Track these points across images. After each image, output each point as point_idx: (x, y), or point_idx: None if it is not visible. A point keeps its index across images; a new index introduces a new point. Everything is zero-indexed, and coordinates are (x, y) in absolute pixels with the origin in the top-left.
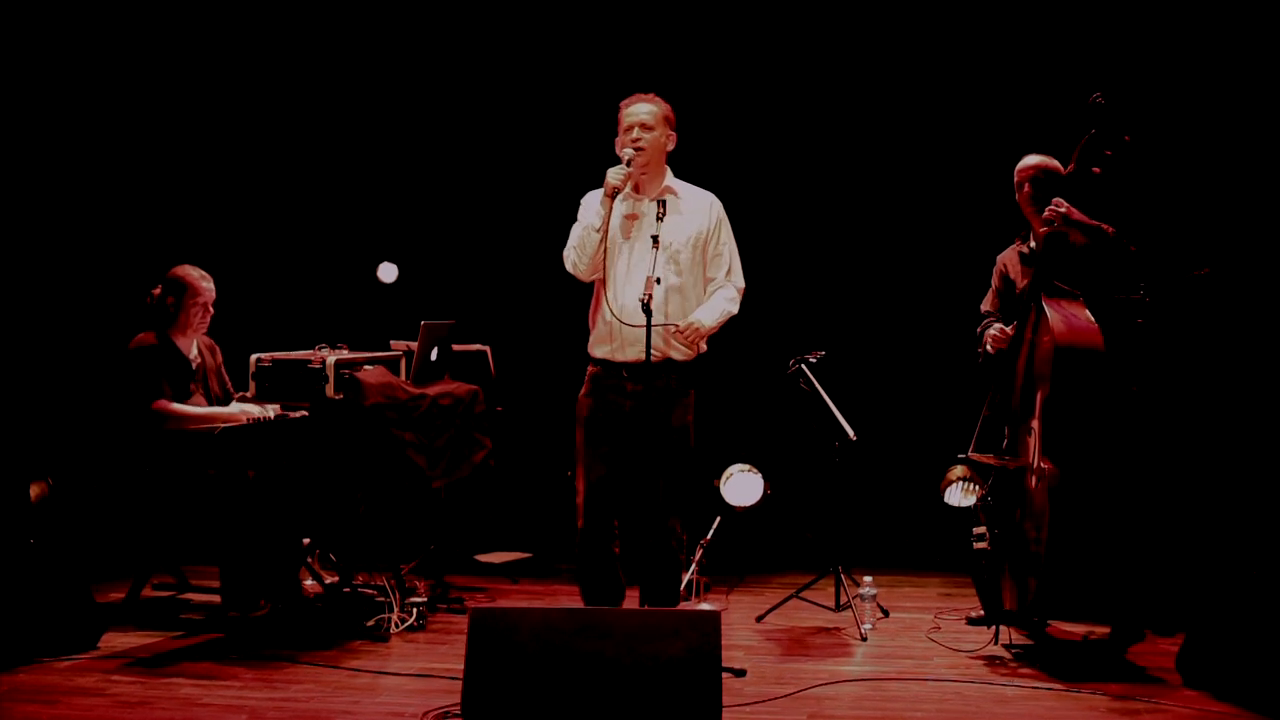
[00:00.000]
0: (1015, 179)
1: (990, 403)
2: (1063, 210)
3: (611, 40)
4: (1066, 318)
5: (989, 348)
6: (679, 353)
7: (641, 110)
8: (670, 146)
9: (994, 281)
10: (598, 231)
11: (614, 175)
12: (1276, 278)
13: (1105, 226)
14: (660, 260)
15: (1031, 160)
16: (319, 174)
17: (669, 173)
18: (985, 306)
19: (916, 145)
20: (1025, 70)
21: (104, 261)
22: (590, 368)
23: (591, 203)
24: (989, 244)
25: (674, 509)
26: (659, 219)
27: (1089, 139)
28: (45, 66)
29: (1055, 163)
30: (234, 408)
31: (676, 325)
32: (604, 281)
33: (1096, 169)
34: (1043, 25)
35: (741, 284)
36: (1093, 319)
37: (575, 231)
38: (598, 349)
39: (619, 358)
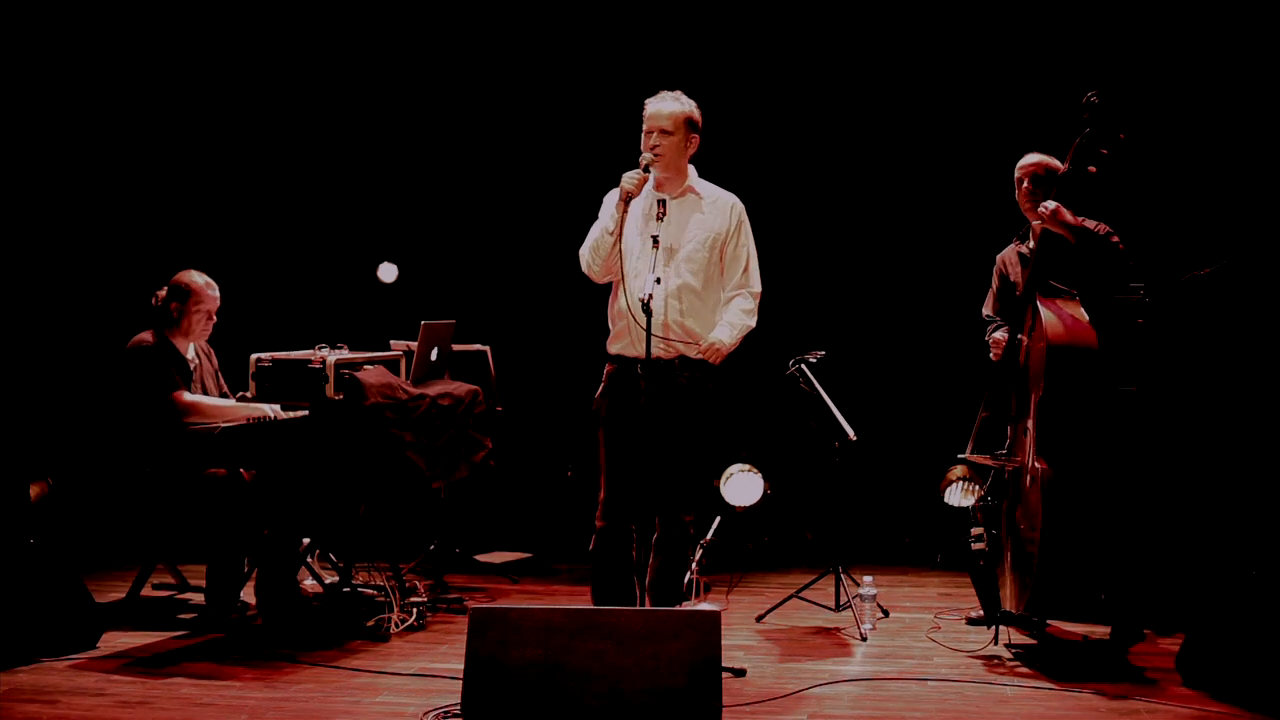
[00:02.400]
0: (1016, 176)
1: (988, 403)
2: (1050, 210)
3: (611, 40)
4: (1061, 317)
5: (994, 353)
6: (693, 350)
7: (662, 114)
8: (692, 149)
9: (994, 282)
10: (611, 234)
11: (628, 179)
12: (1276, 278)
13: (1100, 226)
14: (660, 259)
15: (1032, 158)
16: (319, 174)
17: (692, 173)
18: (986, 309)
19: (916, 145)
20: (1024, 70)
21: (104, 262)
22: (608, 365)
23: (610, 204)
24: (989, 244)
25: (687, 506)
26: (659, 219)
27: (1084, 138)
28: (49, 69)
29: (1056, 161)
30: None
31: (696, 344)
32: (622, 279)
33: (1092, 168)
34: (1042, 25)
35: (758, 289)
36: (1087, 318)
37: (593, 231)
38: (614, 345)
39: (632, 353)
